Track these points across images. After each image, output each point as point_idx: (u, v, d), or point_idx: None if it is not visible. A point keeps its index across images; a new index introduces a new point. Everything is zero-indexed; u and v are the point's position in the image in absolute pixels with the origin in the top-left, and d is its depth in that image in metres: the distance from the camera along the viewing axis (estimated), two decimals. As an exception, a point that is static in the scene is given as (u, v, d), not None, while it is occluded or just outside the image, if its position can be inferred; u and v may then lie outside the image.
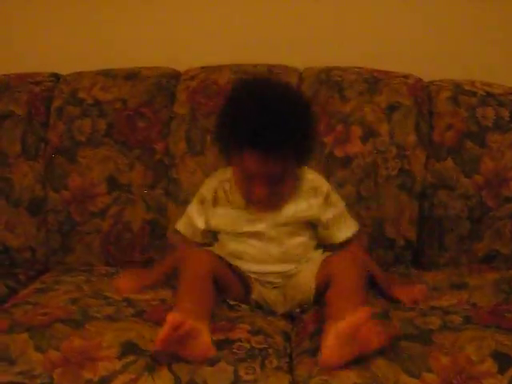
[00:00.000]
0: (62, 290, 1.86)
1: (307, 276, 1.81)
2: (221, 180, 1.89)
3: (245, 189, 1.77)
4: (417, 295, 1.82)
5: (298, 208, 1.82)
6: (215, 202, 1.87)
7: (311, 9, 2.38)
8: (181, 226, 1.97)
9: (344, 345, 1.46)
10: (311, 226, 1.87)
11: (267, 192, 1.72)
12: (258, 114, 1.65)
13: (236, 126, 1.70)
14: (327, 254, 1.88)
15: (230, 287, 1.80)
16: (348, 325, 1.46)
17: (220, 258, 1.81)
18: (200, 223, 1.90)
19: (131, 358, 1.50)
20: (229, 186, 1.86)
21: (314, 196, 1.84)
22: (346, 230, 1.89)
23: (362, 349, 1.47)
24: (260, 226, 1.82)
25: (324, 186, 1.87)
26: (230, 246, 1.87)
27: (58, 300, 1.78)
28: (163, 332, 1.46)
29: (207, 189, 1.90)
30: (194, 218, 1.92)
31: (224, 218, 1.86)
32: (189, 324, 1.47)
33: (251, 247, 1.83)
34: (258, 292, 1.83)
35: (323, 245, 1.92)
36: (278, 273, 1.84)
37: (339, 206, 1.89)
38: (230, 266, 1.81)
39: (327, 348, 1.48)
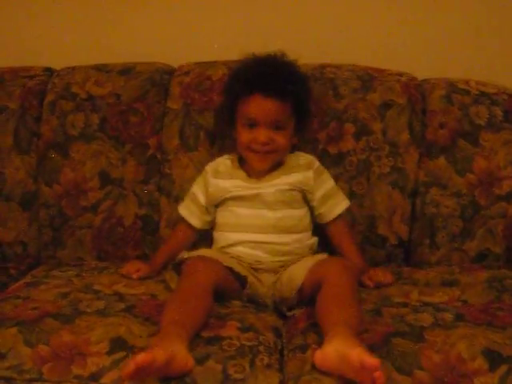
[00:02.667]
0: (52, 284, 1.86)
1: (297, 273, 1.84)
2: (224, 158, 2.06)
3: (248, 140, 1.92)
4: (378, 277, 1.91)
5: (293, 178, 1.97)
6: (216, 174, 2.02)
7: (306, 6, 2.38)
8: (182, 208, 2.08)
9: (341, 362, 1.42)
10: (306, 202, 1.99)
11: (268, 135, 1.90)
12: (263, 65, 1.95)
13: (245, 77, 1.95)
14: (320, 256, 1.91)
15: (227, 289, 1.81)
16: (354, 355, 1.39)
17: (219, 262, 1.82)
18: (201, 198, 2.03)
19: (120, 354, 1.49)
20: (231, 162, 2.03)
21: (307, 170, 2.00)
22: (335, 208, 2.02)
23: (352, 377, 1.43)
24: (259, 189, 1.95)
25: (315, 162, 2.04)
26: (228, 220, 1.97)
27: (48, 294, 1.78)
28: (127, 370, 1.37)
29: (210, 165, 2.06)
30: (197, 195, 2.05)
31: (224, 185, 1.99)
32: (159, 361, 1.38)
33: (248, 212, 1.94)
34: (251, 285, 1.85)
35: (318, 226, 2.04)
36: (273, 243, 1.91)
37: (329, 183, 2.03)
38: (226, 267, 1.82)
39: (327, 352, 1.46)
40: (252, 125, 1.92)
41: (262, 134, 1.90)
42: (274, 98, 1.89)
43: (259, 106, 1.90)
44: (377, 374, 1.35)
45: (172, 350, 1.42)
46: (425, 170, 2.11)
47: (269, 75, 1.92)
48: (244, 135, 1.94)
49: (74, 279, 1.91)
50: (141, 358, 1.36)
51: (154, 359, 1.37)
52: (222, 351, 1.52)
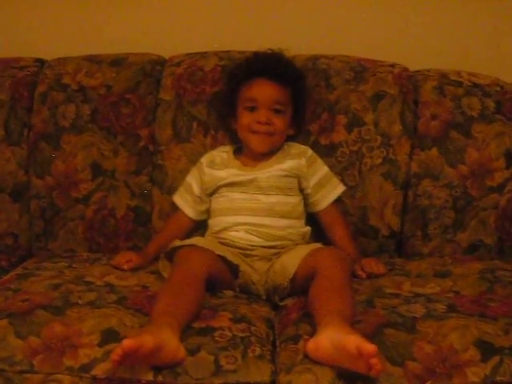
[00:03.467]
0: (44, 276, 1.85)
1: (290, 261, 1.83)
2: (219, 151, 2.11)
3: (248, 121, 2.00)
4: (371, 268, 1.91)
5: (287, 165, 2.02)
6: (211, 164, 2.06)
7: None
8: (177, 197, 2.10)
9: (335, 351, 1.42)
10: (300, 190, 2.02)
11: (268, 116, 1.98)
12: (264, 55, 2.07)
13: (247, 65, 2.07)
14: (314, 245, 1.91)
15: (220, 279, 1.81)
16: (350, 342, 1.39)
17: (211, 252, 1.82)
18: (196, 188, 2.06)
19: (112, 345, 1.48)
20: (226, 154, 2.08)
21: (300, 158, 2.04)
22: (330, 194, 2.05)
23: (347, 365, 1.43)
24: (254, 175, 1.99)
25: (308, 150, 2.08)
26: (223, 205, 2.00)
27: (39, 286, 1.77)
28: (115, 356, 1.37)
29: (205, 156, 2.10)
30: (191, 184, 2.08)
31: (219, 174, 2.03)
32: (147, 347, 1.38)
33: (243, 197, 1.98)
34: (244, 273, 1.84)
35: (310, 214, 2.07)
36: (267, 226, 1.93)
37: (323, 170, 2.06)
38: (218, 256, 1.82)
39: (320, 340, 1.46)
40: (253, 107, 2.00)
41: (262, 115, 1.98)
42: (274, 82, 2.00)
43: (260, 88, 2.00)
44: (373, 360, 1.35)
45: (162, 339, 1.42)
46: (417, 161, 2.11)
47: (270, 63, 2.04)
48: (245, 118, 2.01)
49: (66, 271, 1.90)
50: (128, 343, 1.36)
51: (141, 344, 1.37)
52: (213, 342, 1.52)
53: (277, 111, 2.00)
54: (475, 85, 2.15)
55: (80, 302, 1.66)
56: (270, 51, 2.08)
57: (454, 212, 2.10)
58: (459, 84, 2.15)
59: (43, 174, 2.16)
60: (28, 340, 1.52)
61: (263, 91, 2.00)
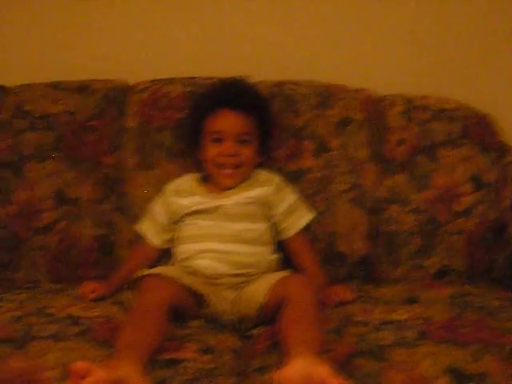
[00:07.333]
0: (5, 308, 1.81)
1: (258, 290, 1.81)
2: (185, 179, 2.09)
3: (214, 154, 1.99)
4: (339, 295, 1.89)
5: (253, 193, 2.00)
6: (176, 192, 2.04)
7: (262, 23, 2.37)
8: (141, 227, 2.08)
9: (303, 382, 1.39)
10: (268, 217, 2.00)
11: (234, 147, 1.97)
12: (228, 85, 2.06)
13: (211, 95, 2.05)
14: (282, 273, 1.88)
15: (185, 308, 1.78)
16: (318, 374, 1.37)
17: (176, 282, 1.79)
18: (160, 216, 2.05)
19: (74, 380, 1.45)
20: (192, 181, 2.06)
21: (268, 185, 2.02)
22: (298, 222, 2.04)
23: None
24: (221, 202, 1.98)
25: (276, 177, 2.06)
26: (189, 233, 1.97)
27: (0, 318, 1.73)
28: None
29: (170, 184, 2.08)
30: (155, 213, 2.07)
31: (183, 202, 2.01)
32: (100, 377, 1.36)
33: (209, 224, 1.96)
34: (210, 303, 1.82)
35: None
36: (233, 253, 1.91)
37: (291, 197, 2.05)
38: (184, 286, 1.79)
39: (288, 372, 1.42)
40: (219, 139, 1.99)
41: (228, 147, 1.97)
42: (240, 112, 1.99)
43: (225, 120, 1.99)
44: None
45: (120, 374, 1.38)
46: (384, 186, 2.11)
47: (234, 92, 2.03)
48: (211, 150, 2.00)
49: (27, 302, 1.85)
50: (76, 365, 1.34)
51: (89, 369, 1.34)
52: (178, 375, 1.48)
53: (243, 141, 1.98)
54: (441, 109, 2.16)
55: (42, 334, 1.62)
56: (232, 80, 2.07)
57: (422, 237, 2.09)
58: (425, 109, 2.16)
59: (5, 202, 2.12)
60: (-13, 376, 1.48)
61: (228, 123, 1.99)
